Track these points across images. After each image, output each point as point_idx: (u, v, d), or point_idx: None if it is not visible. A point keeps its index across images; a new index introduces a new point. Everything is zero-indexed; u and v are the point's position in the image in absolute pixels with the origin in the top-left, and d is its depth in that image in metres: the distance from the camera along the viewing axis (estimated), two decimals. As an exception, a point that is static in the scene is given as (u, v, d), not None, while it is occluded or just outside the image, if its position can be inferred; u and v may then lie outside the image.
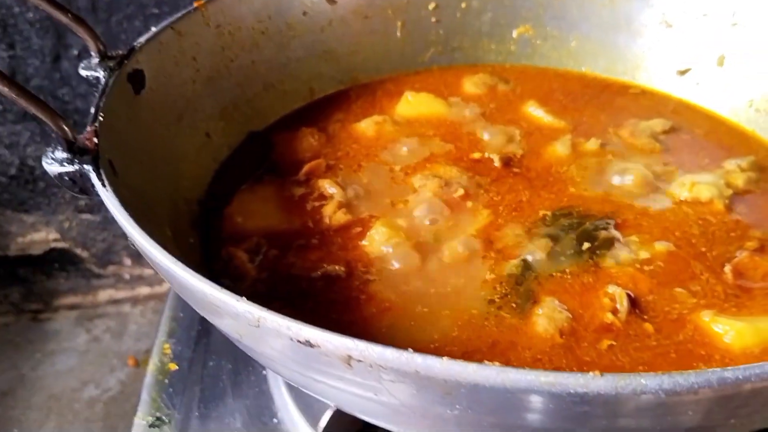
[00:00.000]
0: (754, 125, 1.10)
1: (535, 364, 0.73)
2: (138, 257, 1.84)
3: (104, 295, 1.86)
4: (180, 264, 0.58)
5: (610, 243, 0.86)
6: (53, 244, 1.80)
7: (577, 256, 0.85)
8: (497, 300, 0.79)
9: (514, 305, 0.78)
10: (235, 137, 1.06)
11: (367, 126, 1.10)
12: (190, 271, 0.57)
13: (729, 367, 0.48)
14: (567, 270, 0.83)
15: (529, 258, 0.84)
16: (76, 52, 1.57)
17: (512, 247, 0.86)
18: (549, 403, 0.49)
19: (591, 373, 0.47)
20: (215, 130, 1.03)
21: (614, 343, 0.75)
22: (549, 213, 0.91)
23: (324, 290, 0.81)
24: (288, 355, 0.55)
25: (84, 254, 1.82)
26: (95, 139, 0.73)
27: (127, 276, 1.87)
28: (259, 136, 1.09)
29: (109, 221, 1.78)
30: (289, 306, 0.79)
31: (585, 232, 0.87)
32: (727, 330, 0.75)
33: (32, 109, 0.68)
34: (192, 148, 0.98)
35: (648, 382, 0.47)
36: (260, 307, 0.54)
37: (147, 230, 0.63)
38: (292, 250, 0.87)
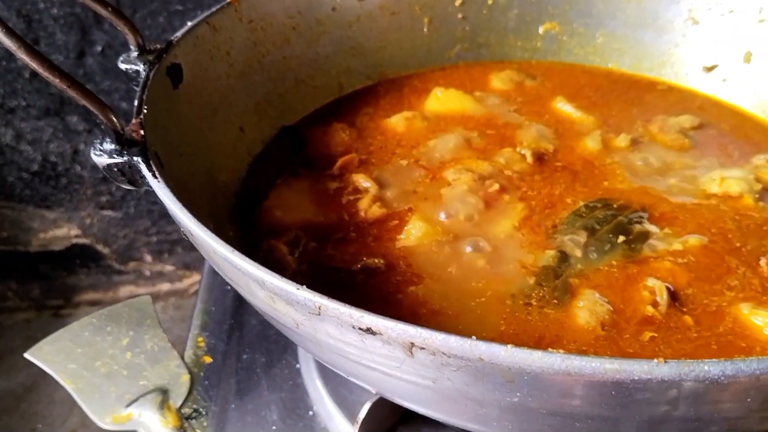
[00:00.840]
0: (783, 121, 1.10)
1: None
2: (159, 253, 1.85)
3: (125, 291, 1.87)
4: (237, 254, 0.59)
5: (645, 236, 0.87)
6: (74, 240, 1.81)
7: (612, 249, 0.85)
8: (535, 294, 0.80)
9: (555, 300, 0.79)
10: (268, 131, 1.07)
11: (397, 121, 1.10)
12: (249, 260, 0.58)
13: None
14: (604, 262, 0.84)
15: (567, 250, 0.85)
16: (100, 48, 1.58)
17: (549, 241, 0.87)
18: (612, 389, 0.49)
19: (655, 360, 0.48)
20: (249, 125, 1.03)
21: (656, 335, 0.76)
22: (583, 205, 0.92)
23: (364, 283, 0.82)
24: (347, 343, 0.56)
25: (105, 250, 1.82)
26: (142, 131, 0.74)
27: (147, 272, 1.88)
28: (291, 130, 1.09)
29: (131, 218, 1.79)
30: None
31: (620, 225, 0.88)
32: (767, 322, 0.76)
33: (83, 100, 0.69)
34: (227, 141, 0.99)
35: (711, 368, 0.48)
36: (321, 295, 0.54)
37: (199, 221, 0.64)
38: (330, 243, 0.88)
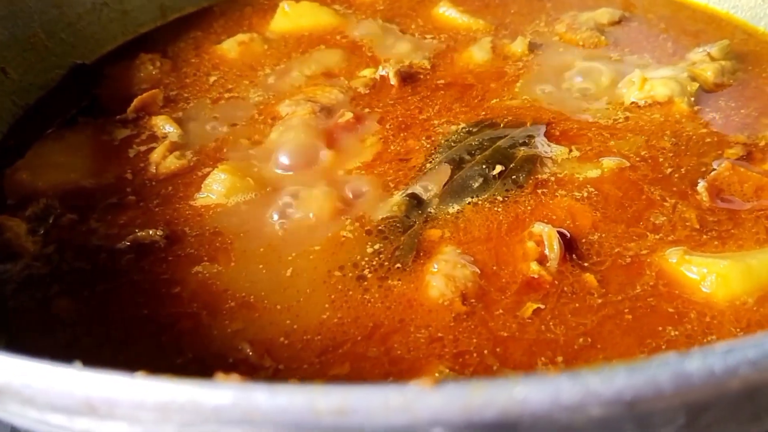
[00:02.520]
0: (728, 4, 0.85)
1: (431, 348, 0.49)
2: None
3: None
4: None
5: (531, 163, 0.62)
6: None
7: (486, 185, 0.60)
8: (369, 263, 0.55)
9: (398, 265, 0.54)
10: (50, 73, 0.80)
11: (229, 47, 0.84)
12: None
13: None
14: (471, 206, 0.59)
15: (419, 193, 0.60)
16: None
17: (399, 182, 0.62)
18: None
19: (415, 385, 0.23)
20: (15, 65, 0.77)
21: (542, 306, 0.51)
22: (456, 130, 0.67)
23: (132, 267, 0.57)
24: None
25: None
26: None
27: None
28: (87, 70, 0.82)
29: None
30: (71, 294, 0.55)
31: (498, 152, 0.63)
32: (705, 274, 0.52)
33: None
34: (-25, 88, 0.72)
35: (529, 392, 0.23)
36: None
37: None
38: (96, 212, 0.62)
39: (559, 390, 0.22)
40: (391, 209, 0.58)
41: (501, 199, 0.59)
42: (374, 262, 0.55)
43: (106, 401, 0.26)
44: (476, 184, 0.60)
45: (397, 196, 0.59)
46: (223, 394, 0.23)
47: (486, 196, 0.59)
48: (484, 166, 0.61)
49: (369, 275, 0.54)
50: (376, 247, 0.56)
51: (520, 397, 0.22)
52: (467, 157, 0.62)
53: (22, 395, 0.27)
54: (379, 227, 0.58)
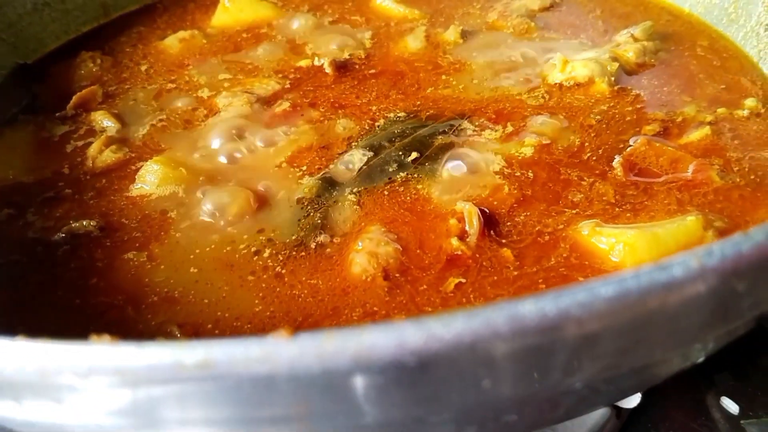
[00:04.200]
0: (654, -13, 0.88)
1: (363, 321, 0.51)
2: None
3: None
4: None
5: (444, 150, 0.64)
6: None
7: (399, 170, 0.62)
8: (273, 248, 0.57)
9: (312, 244, 0.56)
10: (-9, 73, 0.81)
11: (170, 43, 0.86)
12: None
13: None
14: (386, 188, 0.61)
15: (334, 176, 0.62)
16: None
17: (320, 168, 0.64)
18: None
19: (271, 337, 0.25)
20: (-45, 65, 0.77)
21: (464, 280, 0.53)
22: (382, 122, 0.69)
23: (68, 258, 0.58)
24: None
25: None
26: None
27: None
28: (29, 69, 0.83)
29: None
30: (6, 285, 0.56)
31: (417, 139, 0.65)
32: (614, 243, 0.54)
33: None
34: None
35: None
36: None
37: None
38: (33, 207, 0.64)
39: (404, 335, 0.24)
40: (303, 191, 0.60)
41: (417, 182, 0.61)
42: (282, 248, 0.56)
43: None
44: (390, 169, 0.62)
45: (311, 179, 0.61)
46: (95, 352, 0.25)
47: (399, 179, 0.61)
48: (400, 153, 0.63)
49: (281, 257, 0.56)
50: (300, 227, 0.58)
51: (368, 343, 0.24)
52: (386, 144, 0.64)
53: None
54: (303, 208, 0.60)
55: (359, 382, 0.26)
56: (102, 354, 0.25)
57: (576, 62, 0.71)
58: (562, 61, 0.71)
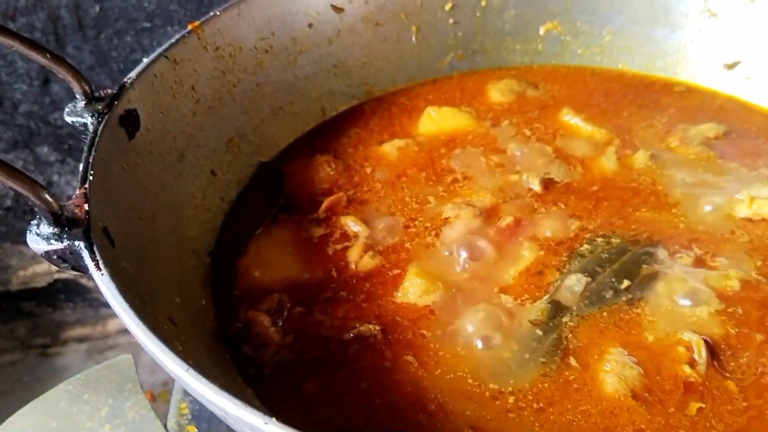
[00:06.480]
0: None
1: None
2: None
3: (114, 324, 1.77)
4: (194, 373, 0.48)
5: (650, 279, 0.76)
6: (56, 275, 1.70)
7: (616, 297, 0.74)
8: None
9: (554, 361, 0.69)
10: (244, 171, 0.96)
11: (389, 150, 0.99)
12: (208, 383, 0.47)
13: None
14: (609, 312, 0.73)
15: (560, 299, 0.74)
16: (65, 74, 1.46)
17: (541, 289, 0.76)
18: None
19: None
20: (221, 166, 0.92)
21: (703, 405, 0.65)
22: (586, 246, 0.80)
23: (358, 356, 0.71)
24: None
25: (90, 283, 1.72)
26: (86, 206, 0.63)
27: (136, 303, 1.77)
28: (269, 167, 0.98)
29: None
30: (315, 378, 0.70)
31: (624, 267, 0.77)
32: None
33: (8, 181, 0.58)
34: (197, 189, 0.88)
35: None
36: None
37: (151, 323, 0.53)
38: (318, 306, 0.77)
39: None
40: (536, 314, 0.73)
41: (636, 307, 0.73)
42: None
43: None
44: (608, 295, 0.74)
45: (542, 302, 0.73)
46: None
47: (619, 305, 0.73)
48: (613, 279, 0.75)
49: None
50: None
51: None
52: (598, 269, 0.76)
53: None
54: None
55: None
56: None
57: (761, 201, 0.82)
58: (749, 198, 0.82)
